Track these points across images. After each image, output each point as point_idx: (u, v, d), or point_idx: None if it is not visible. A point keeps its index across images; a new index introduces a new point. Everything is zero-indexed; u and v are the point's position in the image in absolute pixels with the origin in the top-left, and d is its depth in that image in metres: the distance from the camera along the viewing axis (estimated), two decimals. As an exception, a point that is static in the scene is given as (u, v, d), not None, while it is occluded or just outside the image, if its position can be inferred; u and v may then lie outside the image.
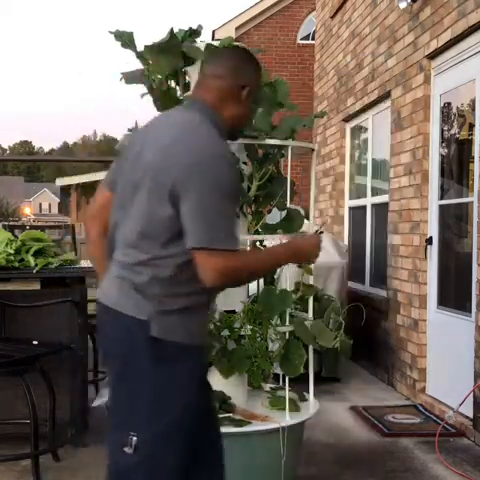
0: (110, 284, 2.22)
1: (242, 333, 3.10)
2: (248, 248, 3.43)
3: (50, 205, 76.95)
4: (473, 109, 4.80)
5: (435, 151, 5.39)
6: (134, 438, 2.09)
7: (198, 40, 3.38)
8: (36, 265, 4.15)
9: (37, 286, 4.32)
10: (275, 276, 3.55)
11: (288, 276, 3.26)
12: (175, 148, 2.15)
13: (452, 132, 5.36)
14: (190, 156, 2.12)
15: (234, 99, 2.31)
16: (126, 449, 2.09)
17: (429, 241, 5.34)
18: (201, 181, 2.08)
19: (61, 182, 24.92)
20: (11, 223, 10.72)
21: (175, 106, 3.18)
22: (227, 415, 3.16)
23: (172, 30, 3.29)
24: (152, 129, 2.29)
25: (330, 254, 6.01)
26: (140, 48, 3.37)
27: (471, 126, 4.89)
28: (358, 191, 7.71)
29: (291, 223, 3.28)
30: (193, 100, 2.35)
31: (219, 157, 2.13)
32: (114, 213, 2.28)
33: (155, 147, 2.18)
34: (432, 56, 5.37)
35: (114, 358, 2.20)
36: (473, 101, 4.80)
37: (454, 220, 5.27)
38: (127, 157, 2.29)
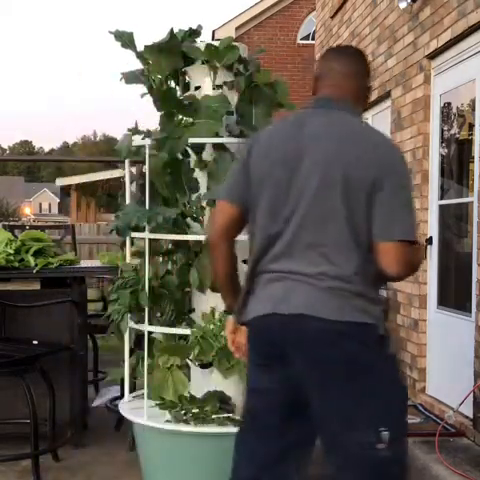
0: (307, 295, 2.16)
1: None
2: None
3: (50, 205, 76.90)
4: (473, 109, 4.80)
5: (435, 151, 5.39)
6: (386, 433, 2.13)
7: (198, 40, 3.38)
8: (36, 265, 4.15)
9: (37, 286, 4.33)
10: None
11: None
12: (364, 148, 2.19)
13: (452, 132, 5.36)
14: (383, 155, 2.20)
15: (362, 99, 2.38)
16: (380, 445, 2.13)
17: (429, 241, 5.34)
18: (396, 178, 2.18)
19: (61, 182, 24.94)
20: (11, 223, 10.72)
21: (175, 107, 3.21)
22: (227, 415, 3.17)
23: (172, 30, 3.29)
24: (307, 131, 2.24)
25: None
26: (140, 48, 3.37)
27: (471, 126, 4.89)
28: (358, 191, 7.70)
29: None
30: (330, 98, 2.31)
31: (402, 155, 2.31)
32: (270, 223, 2.22)
33: (331, 150, 2.19)
34: (432, 56, 5.36)
35: (332, 364, 2.16)
36: (473, 101, 4.80)
37: (454, 220, 5.27)
38: (266, 164, 2.24)
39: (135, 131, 3.31)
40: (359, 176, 2.14)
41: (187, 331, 3.19)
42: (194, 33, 3.39)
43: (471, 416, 4.52)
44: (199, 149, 3.26)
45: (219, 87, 3.31)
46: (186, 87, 3.45)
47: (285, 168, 2.21)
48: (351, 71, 2.32)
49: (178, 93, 3.41)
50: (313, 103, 2.36)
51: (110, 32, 3.43)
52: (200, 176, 3.27)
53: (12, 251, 4.17)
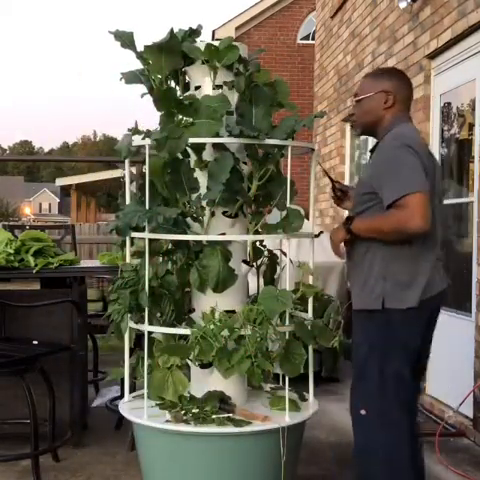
0: (443, 272, 2.98)
1: (242, 333, 3.10)
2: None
3: (50, 205, 76.88)
4: (473, 109, 4.80)
5: (435, 151, 5.39)
6: None
7: (198, 40, 3.38)
8: (36, 265, 4.15)
9: (37, 286, 4.33)
10: (275, 276, 3.55)
11: (288, 276, 3.26)
12: None
13: (452, 132, 5.36)
14: None
15: None
16: None
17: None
18: None
19: (61, 182, 24.97)
20: (11, 223, 10.72)
21: (175, 107, 3.21)
22: (227, 415, 3.17)
23: (172, 30, 3.29)
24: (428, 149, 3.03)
25: (330, 254, 5.99)
26: (140, 48, 3.37)
27: (471, 126, 4.90)
28: (358, 191, 7.69)
29: (291, 223, 3.27)
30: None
31: None
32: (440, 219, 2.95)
33: (439, 168, 3.05)
34: (432, 56, 5.37)
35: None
36: (473, 101, 4.80)
37: (454, 220, 5.27)
38: (434, 167, 2.92)
39: (135, 131, 3.30)
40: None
41: (187, 331, 3.18)
42: (194, 33, 3.38)
43: (471, 416, 4.52)
44: (199, 149, 3.25)
45: (219, 87, 3.31)
46: (186, 87, 3.44)
47: (433, 176, 2.86)
48: None
49: (178, 93, 3.40)
50: (413, 125, 3.06)
51: (110, 32, 3.42)
52: (200, 176, 3.26)
53: (12, 251, 4.17)
